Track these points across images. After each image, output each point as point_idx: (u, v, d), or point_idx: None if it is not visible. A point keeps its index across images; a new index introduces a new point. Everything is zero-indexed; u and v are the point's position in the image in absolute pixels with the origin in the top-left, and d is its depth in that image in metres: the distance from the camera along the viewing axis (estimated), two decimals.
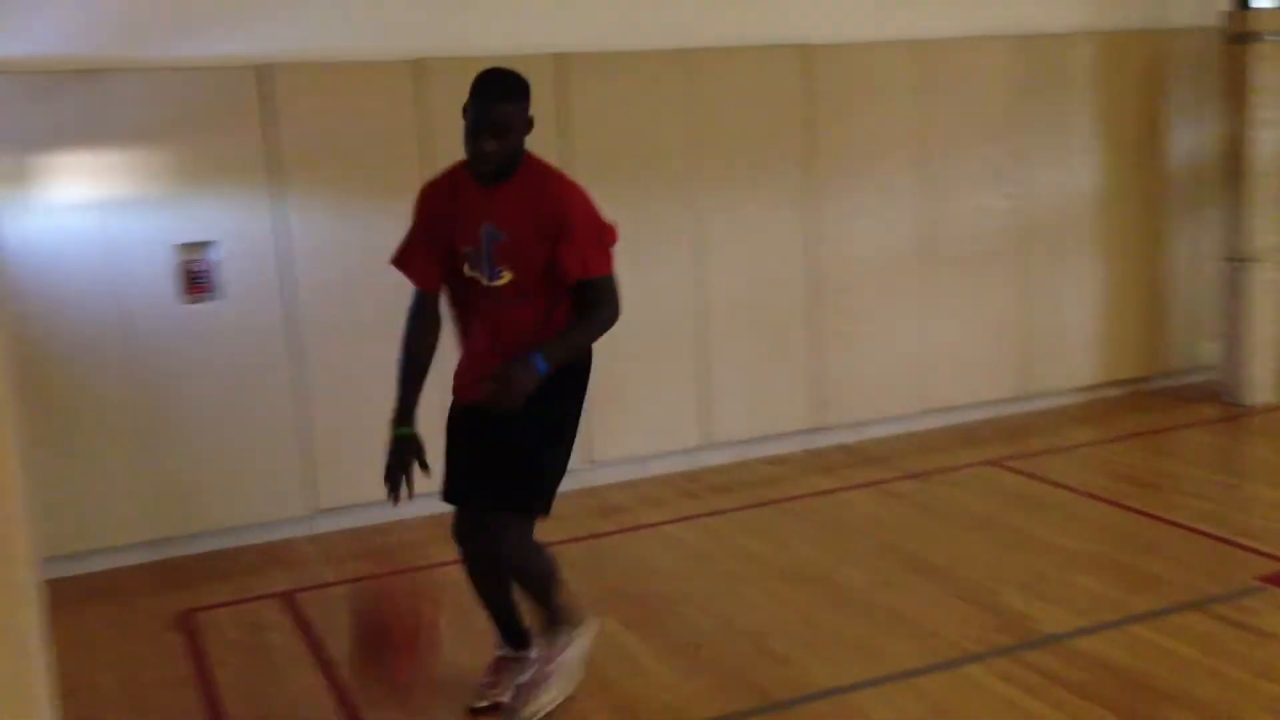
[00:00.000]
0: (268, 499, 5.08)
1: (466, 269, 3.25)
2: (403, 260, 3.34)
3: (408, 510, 3.81)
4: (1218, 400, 6.54)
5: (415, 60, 5.10)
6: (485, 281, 3.23)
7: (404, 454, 3.23)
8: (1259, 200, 6.33)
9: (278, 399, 5.04)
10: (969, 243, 6.27)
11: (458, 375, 3.40)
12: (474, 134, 3.12)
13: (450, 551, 3.52)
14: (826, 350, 6.04)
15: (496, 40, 5.21)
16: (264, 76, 4.85)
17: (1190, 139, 6.67)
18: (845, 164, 5.95)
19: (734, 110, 5.70)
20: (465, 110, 3.15)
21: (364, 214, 5.00)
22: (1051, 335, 6.55)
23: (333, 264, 5.04)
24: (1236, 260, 6.41)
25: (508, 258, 3.20)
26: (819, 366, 6.04)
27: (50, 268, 4.61)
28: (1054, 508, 5.12)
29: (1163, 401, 6.69)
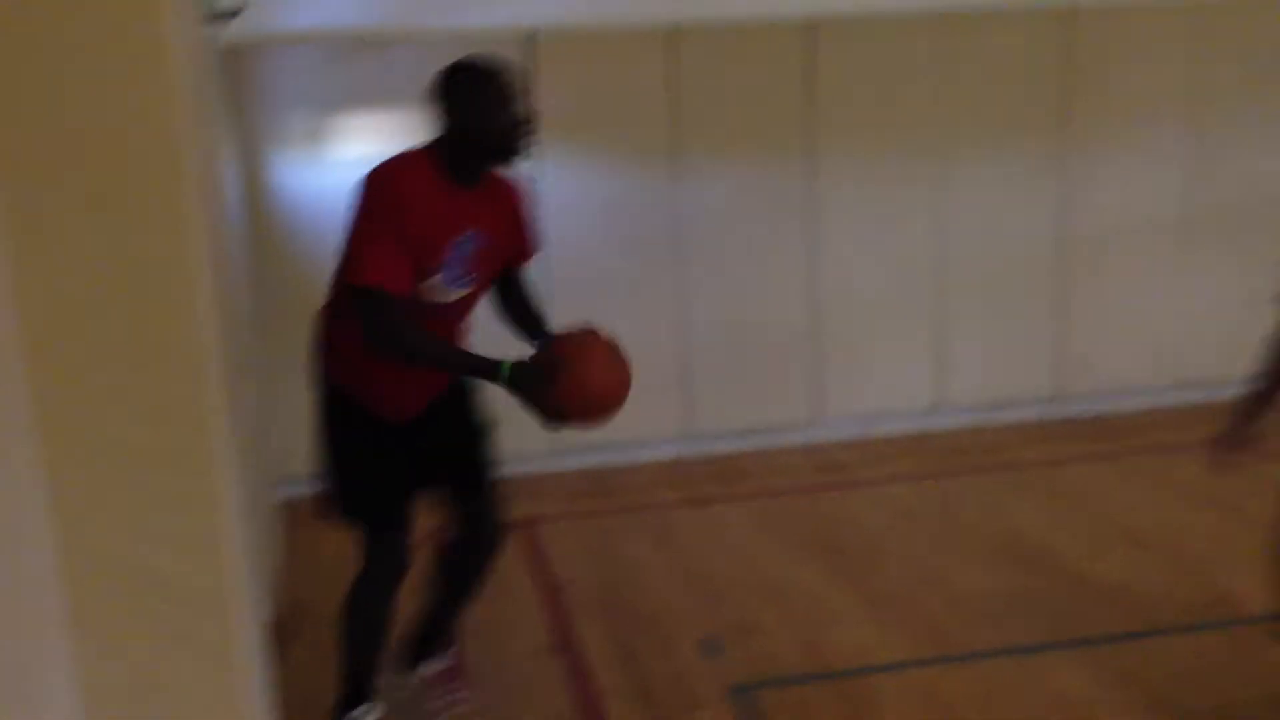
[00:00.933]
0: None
1: (431, 278, 2.92)
2: (385, 271, 2.81)
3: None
4: None
5: (668, 30, 5.38)
6: (450, 291, 2.98)
7: (537, 375, 2.88)
8: None
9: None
10: (1234, 212, 5.99)
11: (389, 397, 3.08)
12: (525, 123, 2.93)
13: None
14: (1071, 317, 5.96)
15: (745, 7, 5.40)
16: (526, 44, 5.25)
17: None
18: (1103, 129, 5.81)
19: (987, 76, 5.67)
20: (485, 102, 2.90)
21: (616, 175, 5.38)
22: None
23: (584, 221, 5.42)
24: None
25: (481, 264, 3.03)
26: (1063, 333, 5.97)
27: (332, 218, 5.20)
28: None
29: None
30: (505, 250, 3.12)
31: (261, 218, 5.12)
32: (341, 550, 3.26)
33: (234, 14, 4.47)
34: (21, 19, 1.88)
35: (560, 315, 3.26)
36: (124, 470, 2.03)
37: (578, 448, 5.41)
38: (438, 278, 2.91)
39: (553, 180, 5.31)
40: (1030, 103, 5.74)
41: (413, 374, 3.04)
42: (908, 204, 5.72)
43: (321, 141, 5.17)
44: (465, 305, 3.06)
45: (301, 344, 3.21)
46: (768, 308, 5.70)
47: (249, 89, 5.09)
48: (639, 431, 5.53)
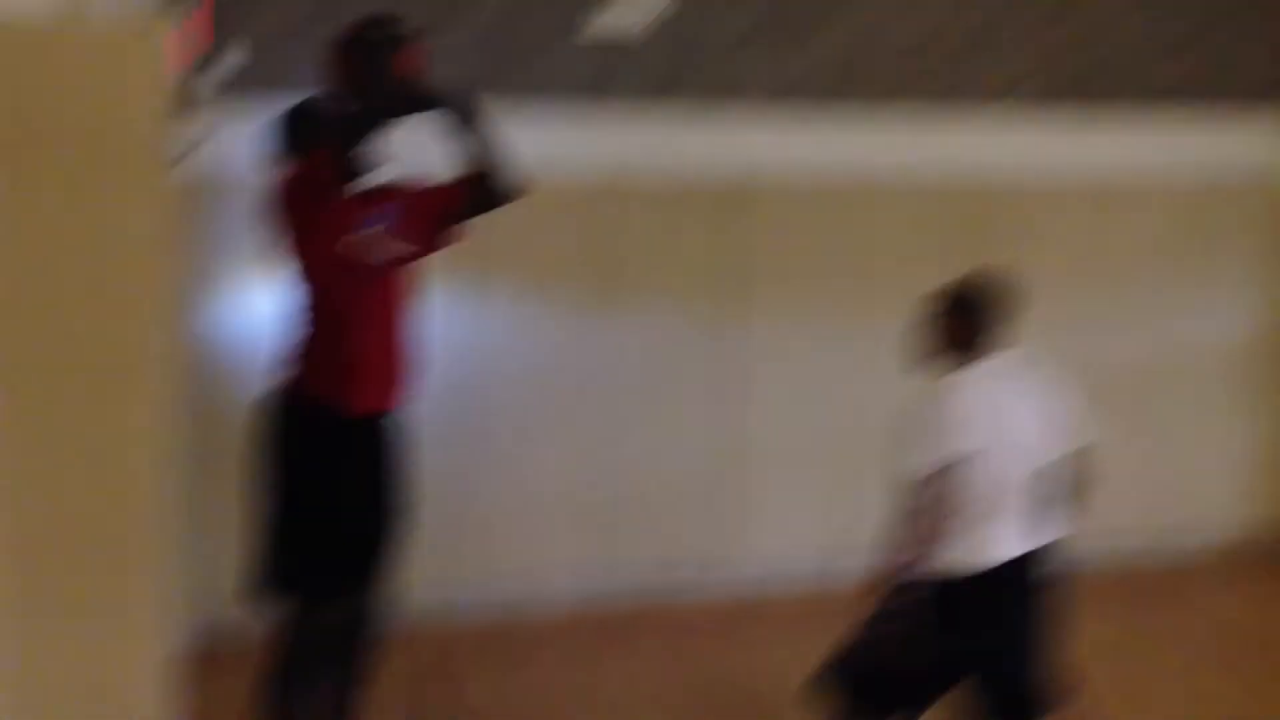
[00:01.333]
0: None
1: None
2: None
3: None
4: None
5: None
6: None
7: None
8: None
9: None
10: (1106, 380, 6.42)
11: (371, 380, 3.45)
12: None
13: None
14: None
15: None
16: None
17: None
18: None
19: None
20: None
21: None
22: (1191, 481, 6.63)
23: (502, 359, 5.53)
24: None
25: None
26: None
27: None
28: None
29: None
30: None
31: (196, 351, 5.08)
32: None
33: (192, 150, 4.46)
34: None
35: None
36: None
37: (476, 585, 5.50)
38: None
39: (466, 315, 5.41)
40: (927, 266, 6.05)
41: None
42: (831, 360, 6.00)
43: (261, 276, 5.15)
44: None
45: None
46: (683, 454, 5.88)
47: (192, 223, 5.05)
48: (539, 573, 5.65)
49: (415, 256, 3.39)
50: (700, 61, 5.67)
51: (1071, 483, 3.61)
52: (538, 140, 4.22)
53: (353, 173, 3.35)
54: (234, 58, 4.83)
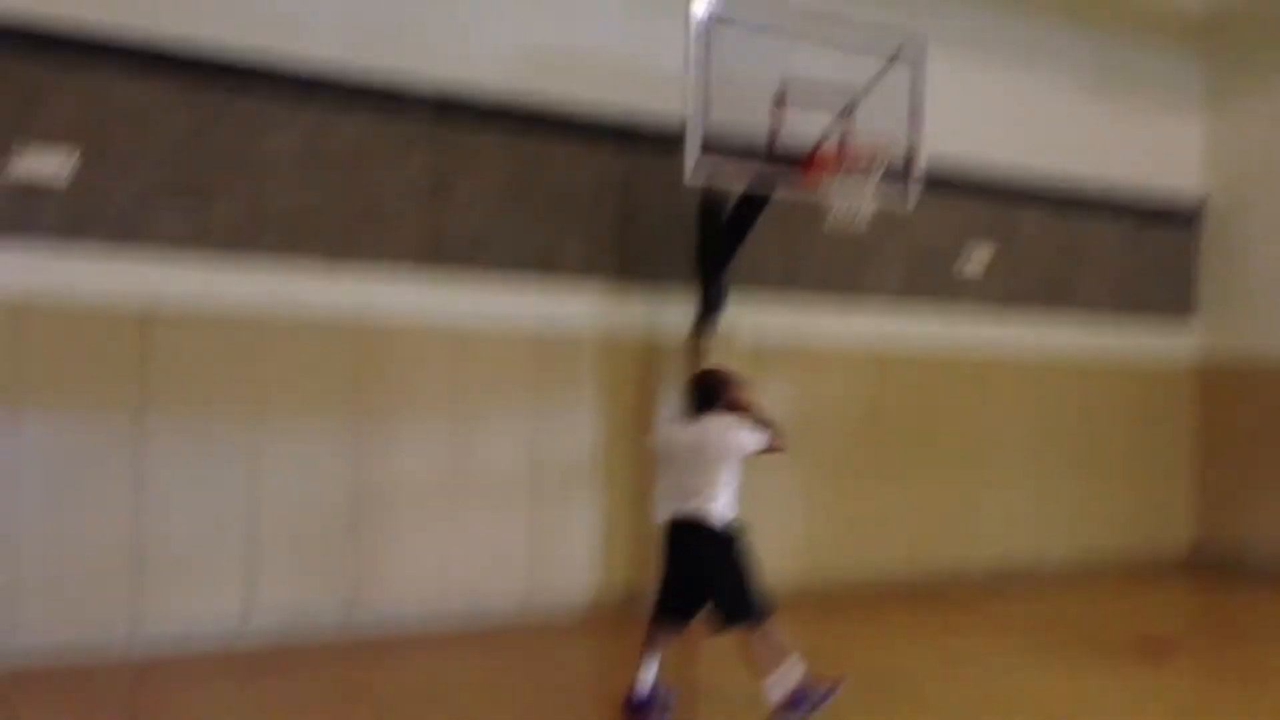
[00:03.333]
0: None
1: None
2: None
3: None
4: None
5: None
6: None
7: None
8: None
9: None
10: (490, 477, 8.20)
11: None
12: None
13: None
14: (366, 552, 7.78)
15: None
16: None
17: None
18: (390, 420, 7.88)
19: (290, 374, 7.55)
20: None
21: None
22: (556, 556, 8.42)
23: None
24: None
25: None
26: (360, 566, 7.73)
27: None
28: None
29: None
30: None
31: None
32: None
33: None
34: None
35: None
36: None
37: None
38: None
39: None
40: (328, 393, 7.64)
41: None
42: (230, 464, 7.37)
43: None
44: None
45: None
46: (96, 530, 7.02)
47: None
48: None
49: None
50: (110, 209, 7.11)
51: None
52: None
53: None
54: None
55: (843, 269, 9.84)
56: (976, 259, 10.49)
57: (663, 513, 6.09)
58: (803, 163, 7.93)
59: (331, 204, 7.80)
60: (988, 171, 10.50)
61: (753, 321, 9.15)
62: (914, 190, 8.42)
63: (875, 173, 7.87)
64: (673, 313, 8.90)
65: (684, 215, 8.82)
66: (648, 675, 6.01)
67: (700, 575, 5.94)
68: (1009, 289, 10.77)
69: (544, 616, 8.31)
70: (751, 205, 8.33)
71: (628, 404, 8.78)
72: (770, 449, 6.09)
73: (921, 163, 8.43)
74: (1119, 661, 7.61)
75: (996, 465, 10.60)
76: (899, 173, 8.26)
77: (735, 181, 7.98)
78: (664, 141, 8.08)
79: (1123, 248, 11.50)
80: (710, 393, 6.12)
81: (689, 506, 5.94)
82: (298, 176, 7.68)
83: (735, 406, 6.08)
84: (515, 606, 8.29)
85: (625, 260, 8.88)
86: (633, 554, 8.72)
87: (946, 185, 10.13)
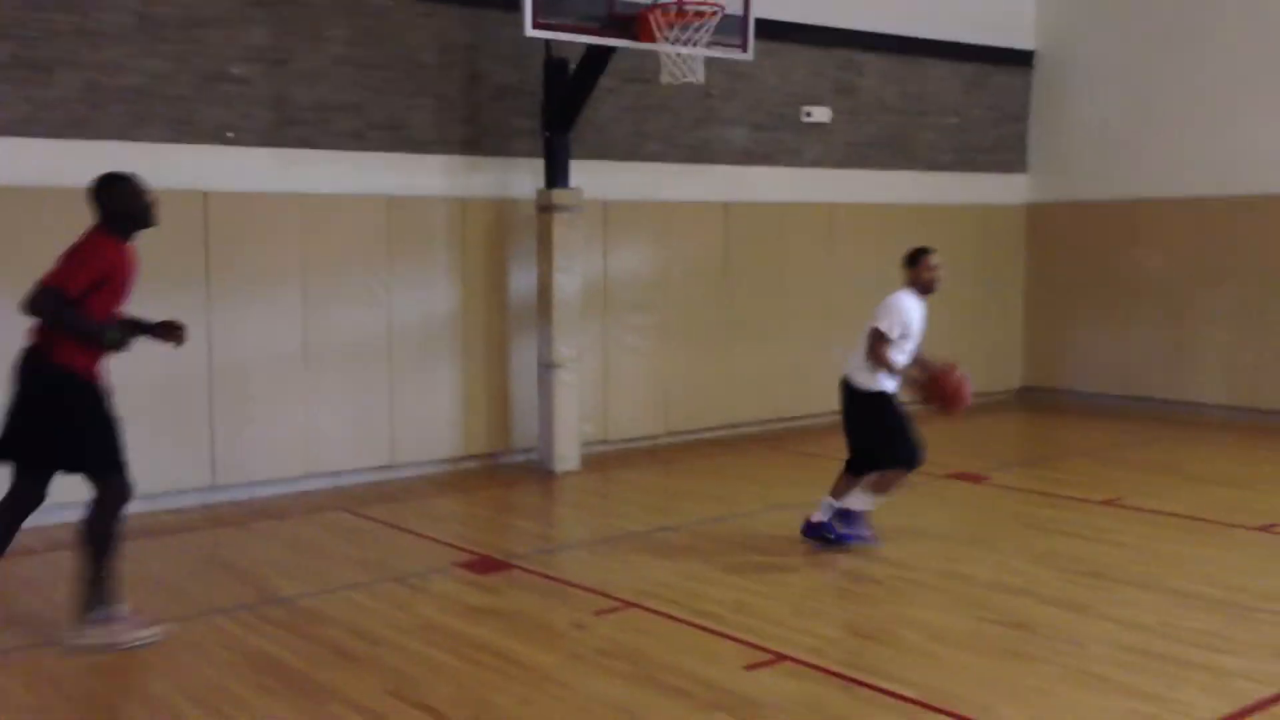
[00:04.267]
0: None
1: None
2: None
3: None
4: (539, 469, 8.92)
5: None
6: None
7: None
8: (561, 324, 8.83)
9: None
10: (347, 345, 8.37)
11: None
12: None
13: None
14: (221, 421, 7.92)
15: None
16: None
17: (522, 279, 9.13)
18: (243, 293, 7.93)
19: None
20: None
21: None
22: (418, 419, 8.70)
23: None
24: (547, 366, 8.87)
25: None
26: (219, 435, 7.88)
27: None
28: (377, 537, 7.18)
29: (508, 471, 8.99)
30: None
31: None
32: None
33: None
34: None
35: None
36: None
37: None
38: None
39: None
40: (178, 269, 7.65)
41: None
42: None
43: None
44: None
45: None
46: None
47: None
48: None
49: None
50: None
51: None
52: None
53: None
54: None
55: (689, 126, 10.09)
56: (820, 112, 10.83)
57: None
58: (638, 15, 8.09)
59: (171, 76, 7.72)
60: (829, 25, 10.76)
61: (602, 181, 9.38)
62: (750, 40, 8.66)
63: (709, 24, 8.06)
64: (523, 175, 9.08)
65: (530, 78, 8.94)
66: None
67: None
68: (852, 139, 11.16)
69: (406, 479, 8.66)
70: (594, 62, 8.47)
71: (482, 267, 8.99)
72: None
73: (754, 12, 8.66)
74: (940, 484, 8.32)
75: (843, 313, 11.12)
76: (737, 24, 8.49)
77: (573, 37, 8.08)
78: (507, 3, 8.12)
79: (962, 99, 11.96)
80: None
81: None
82: (135, 48, 7.56)
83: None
84: (377, 471, 8.60)
85: (474, 125, 8.98)
86: (492, 415, 9.07)
87: (788, 39, 10.40)
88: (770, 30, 9.97)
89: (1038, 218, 12.48)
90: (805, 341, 10.77)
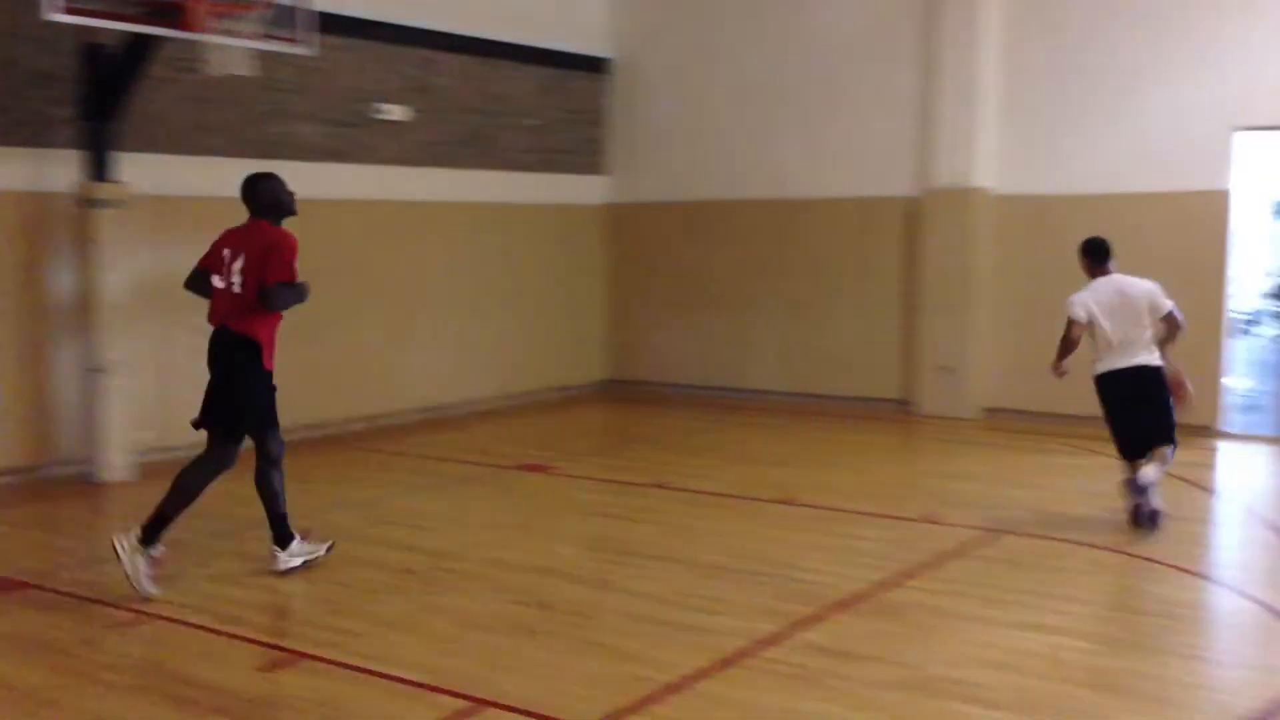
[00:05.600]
0: None
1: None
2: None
3: None
4: (87, 480, 8.39)
5: None
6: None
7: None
8: (110, 327, 8.34)
9: None
10: None
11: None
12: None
13: None
14: None
15: None
16: None
17: (65, 279, 8.54)
18: None
19: None
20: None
21: None
22: None
23: None
24: (93, 371, 8.35)
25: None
26: None
27: None
28: None
29: (51, 484, 8.38)
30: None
31: None
32: None
33: None
34: None
35: None
36: None
37: None
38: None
39: None
40: None
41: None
42: None
43: None
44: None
45: None
46: None
47: None
48: None
49: None
50: None
51: None
52: None
53: None
54: None
55: (257, 120, 9.80)
56: (396, 111, 10.83)
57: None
58: (182, 3, 7.75)
59: None
60: (402, 24, 10.78)
61: (156, 175, 8.92)
62: (310, 35, 8.50)
63: (259, 15, 7.87)
64: (65, 168, 8.48)
65: (70, 65, 8.38)
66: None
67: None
68: (430, 139, 11.24)
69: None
70: (138, 49, 8.05)
71: (15, 265, 8.34)
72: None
73: (320, 6, 8.54)
74: (506, 475, 8.57)
75: (426, 311, 11.20)
76: (296, 17, 8.33)
77: (104, 23, 7.60)
78: None
79: (541, 102, 12.32)
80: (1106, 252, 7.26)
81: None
82: None
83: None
84: None
85: (5, 114, 8.30)
86: (32, 424, 8.42)
87: (362, 35, 10.34)
88: (343, 26, 9.90)
89: (617, 217, 13.07)
90: (388, 339, 10.76)
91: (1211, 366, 9.83)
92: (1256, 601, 5.75)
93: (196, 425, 6.13)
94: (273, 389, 6.13)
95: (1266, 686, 4.75)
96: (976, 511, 7.43)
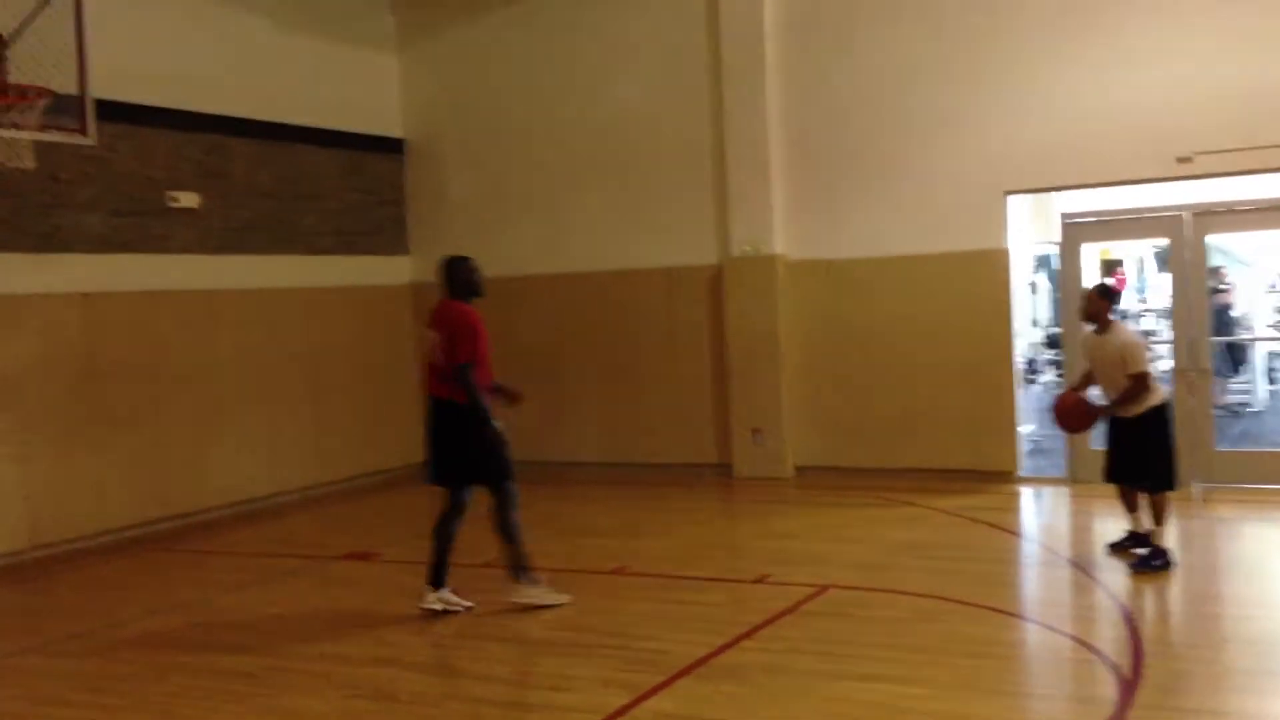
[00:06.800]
0: None
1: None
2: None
3: None
4: None
5: None
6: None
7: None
8: None
9: None
10: None
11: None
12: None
13: None
14: None
15: None
16: None
17: None
18: None
19: None
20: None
21: None
22: None
23: None
24: None
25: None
26: None
27: None
28: None
29: None
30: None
31: None
32: None
33: None
34: None
35: None
36: None
37: None
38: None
39: None
40: None
41: None
42: None
43: None
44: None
45: None
46: None
47: None
48: None
49: None
50: None
51: None
52: None
53: None
54: None
55: (36, 212, 9.33)
56: (187, 198, 10.49)
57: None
58: None
59: None
60: (194, 110, 10.51)
61: None
62: (92, 124, 8.17)
63: (35, 106, 7.53)
64: None
65: None
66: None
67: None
68: (225, 225, 10.93)
69: None
70: None
71: None
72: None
73: (91, 97, 8.19)
74: (335, 566, 8.30)
75: (232, 401, 10.81)
76: (75, 109, 7.99)
77: None
78: None
79: (339, 184, 12.17)
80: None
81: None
82: None
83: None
84: None
85: None
86: None
87: (146, 123, 10.02)
88: (126, 114, 9.59)
89: (422, 296, 12.94)
90: (194, 432, 10.34)
91: (1007, 415, 10.44)
92: (1068, 636, 6.11)
93: None
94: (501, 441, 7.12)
95: (1091, 717, 5.04)
96: (802, 568, 7.64)
